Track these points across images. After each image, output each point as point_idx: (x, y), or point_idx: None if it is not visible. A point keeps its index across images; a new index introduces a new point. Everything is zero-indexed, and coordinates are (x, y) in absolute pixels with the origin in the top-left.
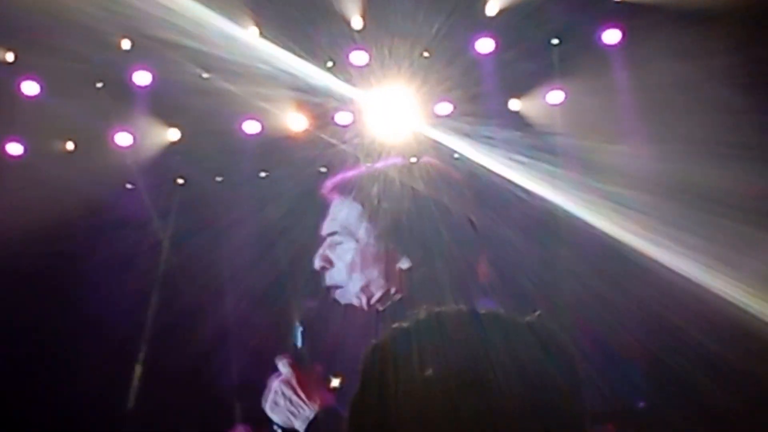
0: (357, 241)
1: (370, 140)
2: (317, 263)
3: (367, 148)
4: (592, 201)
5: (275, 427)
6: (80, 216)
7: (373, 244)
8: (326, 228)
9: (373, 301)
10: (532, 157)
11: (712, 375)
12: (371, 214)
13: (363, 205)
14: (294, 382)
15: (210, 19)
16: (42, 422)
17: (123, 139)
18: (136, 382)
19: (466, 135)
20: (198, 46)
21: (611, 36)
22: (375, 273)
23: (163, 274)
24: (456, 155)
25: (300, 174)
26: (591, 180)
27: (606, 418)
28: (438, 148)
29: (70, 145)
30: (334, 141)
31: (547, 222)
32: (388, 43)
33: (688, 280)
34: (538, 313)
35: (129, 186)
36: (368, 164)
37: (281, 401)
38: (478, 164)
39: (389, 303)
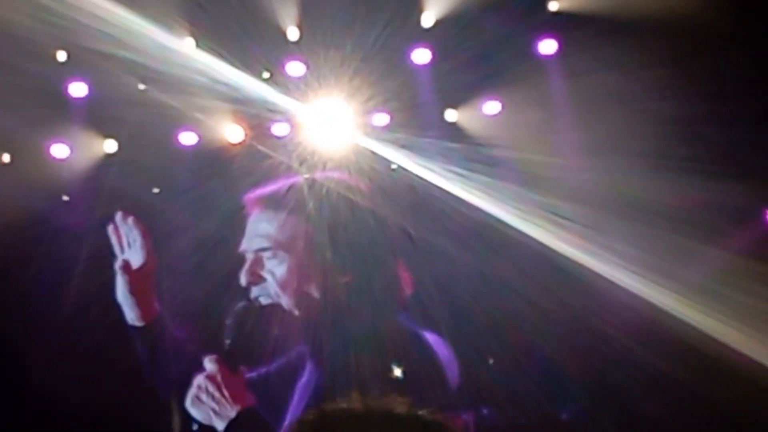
0: (290, 254)
1: (308, 151)
2: (243, 279)
3: (305, 158)
4: (529, 212)
5: (194, 425)
6: (17, 227)
7: (309, 257)
8: (251, 244)
9: (306, 313)
10: (469, 169)
11: (646, 384)
12: (306, 226)
13: (297, 217)
14: (219, 378)
15: (146, 30)
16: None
17: (59, 150)
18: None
19: (403, 146)
20: (134, 57)
21: (547, 46)
22: (312, 287)
23: (101, 285)
24: (393, 166)
25: (237, 185)
26: (528, 191)
27: (544, 428)
28: (375, 158)
29: (6, 157)
30: (271, 152)
31: (484, 233)
32: (325, 54)
33: (624, 290)
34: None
35: (65, 198)
36: (302, 174)
37: (204, 397)
38: (415, 175)
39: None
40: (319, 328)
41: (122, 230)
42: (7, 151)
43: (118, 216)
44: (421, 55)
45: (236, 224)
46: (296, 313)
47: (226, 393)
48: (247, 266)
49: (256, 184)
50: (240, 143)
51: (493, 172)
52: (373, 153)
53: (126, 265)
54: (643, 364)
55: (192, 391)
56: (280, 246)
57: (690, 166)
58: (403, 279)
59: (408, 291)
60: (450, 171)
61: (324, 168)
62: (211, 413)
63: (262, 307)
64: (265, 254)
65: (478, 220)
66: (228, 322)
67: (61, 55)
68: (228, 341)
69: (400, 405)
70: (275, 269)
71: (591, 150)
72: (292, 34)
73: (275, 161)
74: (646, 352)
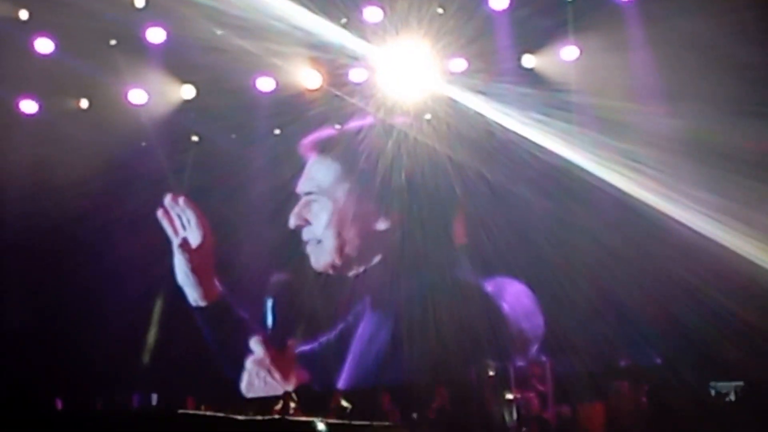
0: (333, 201)
1: (385, 97)
2: (292, 222)
3: (382, 104)
4: (607, 158)
5: None
6: (95, 173)
7: (351, 204)
8: (302, 186)
9: (348, 261)
10: (546, 114)
11: (724, 329)
12: (351, 173)
13: (342, 165)
14: (268, 361)
15: None
16: (61, 376)
17: (137, 96)
18: (151, 338)
19: (481, 92)
20: (212, 3)
21: None
22: (351, 233)
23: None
24: (470, 112)
25: (314, 131)
26: (606, 137)
27: (621, 375)
28: (452, 104)
29: (84, 103)
30: (348, 97)
31: (562, 179)
32: (402, 0)
33: (702, 236)
34: None
35: (143, 143)
36: (376, 117)
37: (256, 382)
38: (492, 121)
39: (363, 267)
40: (378, 278)
41: (173, 212)
42: (85, 96)
43: (168, 199)
44: (499, 1)
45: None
46: (338, 261)
47: (276, 376)
48: (296, 209)
49: (334, 129)
50: (317, 89)
51: (571, 118)
52: (451, 98)
53: (185, 243)
54: (720, 310)
55: (245, 378)
56: (324, 192)
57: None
58: (456, 230)
59: (461, 240)
60: (527, 116)
61: (399, 113)
62: (270, 391)
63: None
64: (311, 197)
65: (556, 165)
66: (266, 298)
67: (139, 1)
68: (270, 319)
69: None
70: (320, 214)
71: (669, 95)
72: None
73: (353, 106)
74: (723, 298)
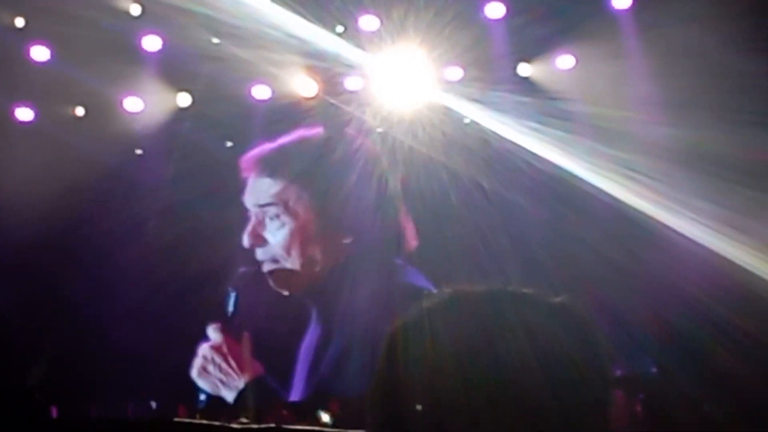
0: (292, 216)
1: (380, 105)
2: (246, 241)
3: (377, 113)
4: (604, 167)
5: (201, 395)
6: (91, 181)
7: (313, 219)
8: (256, 198)
9: (313, 272)
10: (542, 123)
11: (723, 341)
12: (309, 189)
13: (299, 180)
14: (225, 349)
15: None
16: (58, 385)
17: (133, 104)
18: (149, 347)
19: (477, 100)
20: (208, 12)
21: (622, 1)
22: (316, 250)
23: (175, 239)
24: (466, 120)
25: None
26: (602, 146)
27: (617, 383)
28: (448, 113)
29: (80, 111)
30: (344, 106)
31: (557, 188)
32: (398, 8)
33: (698, 245)
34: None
35: (138, 151)
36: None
37: (211, 368)
38: (488, 129)
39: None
40: (325, 289)
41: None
42: (81, 104)
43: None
44: (495, 9)
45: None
46: (301, 273)
47: (233, 363)
48: (249, 228)
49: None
50: (313, 97)
51: (567, 127)
52: (447, 107)
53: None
54: (716, 319)
55: (197, 362)
56: (284, 206)
57: (764, 120)
58: (407, 232)
59: (412, 244)
60: (523, 125)
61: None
62: (219, 384)
63: (265, 273)
64: (268, 213)
65: (551, 174)
66: (230, 289)
67: (135, 9)
68: (231, 309)
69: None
70: (278, 232)
71: (665, 104)
72: None
73: (348, 115)
74: (719, 307)
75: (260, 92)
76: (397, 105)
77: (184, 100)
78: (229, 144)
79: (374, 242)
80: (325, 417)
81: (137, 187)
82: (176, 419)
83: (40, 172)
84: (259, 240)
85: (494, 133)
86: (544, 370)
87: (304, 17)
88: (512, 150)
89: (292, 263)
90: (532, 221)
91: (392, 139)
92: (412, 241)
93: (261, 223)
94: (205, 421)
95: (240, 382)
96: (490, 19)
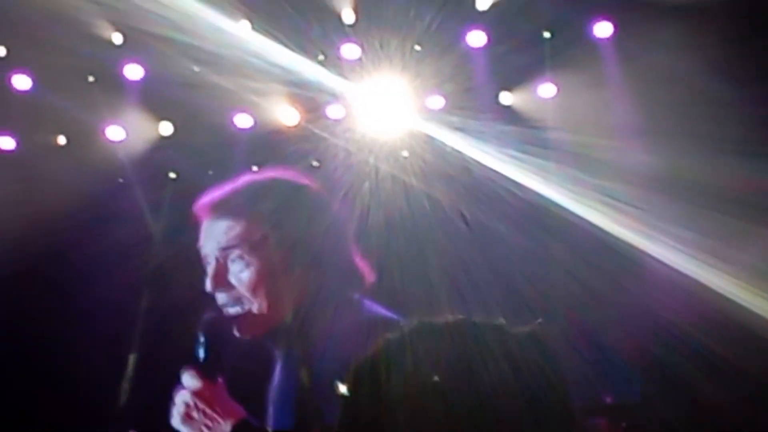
0: (258, 257)
1: (362, 134)
2: (209, 286)
3: (359, 141)
4: (585, 195)
5: None
6: (72, 210)
7: (279, 258)
8: (214, 243)
9: (276, 314)
10: (524, 151)
11: (705, 369)
12: (267, 228)
13: (256, 220)
14: (207, 394)
15: (201, 12)
16: (36, 416)
17: (115, 133)
18: (128, 377)
19: (458, 129)
20: (189, 40)
21: (603, 29)
22: (283, 290)
23: (155, 268)
24: (448, 149)
25: (293, 168)
26: (583, 174)
27: (599, 412)
28: (429, 141)
29: (62, 139)
30: (326, 135)
31: (540, 216)
32: (380, 37)
33: (681, 274)
34: (539, 321)
35: (120, 180)
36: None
37: (195, 414)
38: (469, 158)
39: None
40: (288, 330)
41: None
42: (63, 133)
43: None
44: (477, 38)
45: (293, 207)
46: (266, 315)
47: (217, 408)
48: (211, 272)
49: (312, 167)
50: (295, 126)
51: (548, 155)
52: (428, 135)
53: None
54: (698, 348)
55: (179, 410)
56: (248, 246)
57: (746, 149)
58: (361, 267)
59: (370, 279)
60: (505, 154)
61: (374, 151)
62: (205, 430)
63: (227, 318)
64: (230, 255)
65: (533, 202)
66: (199, 333)
67: (117, 38)
68: (202, 353)
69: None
70: (241, 274)
71: (646, 132)
72: (348, 16)
73: (330, 144)
74: (701, 336)
75: (242, 121)
76: (379, 133)
77: (166, 128)
78: (210, 172)
79: (334, 278)
80: None
81: (119, 216)
82: None
83: (21, 201)
84: (223, 283)
85: (476, 161)
86: (516, 397)
87: (286, 45)
88: (494, 178)
89: (258, 306)
90: (513, 249)
91: (374, 167)
92: (369, 276)
93: (223, 267)
94: None
95: (227, 426)
96: (471, 48)
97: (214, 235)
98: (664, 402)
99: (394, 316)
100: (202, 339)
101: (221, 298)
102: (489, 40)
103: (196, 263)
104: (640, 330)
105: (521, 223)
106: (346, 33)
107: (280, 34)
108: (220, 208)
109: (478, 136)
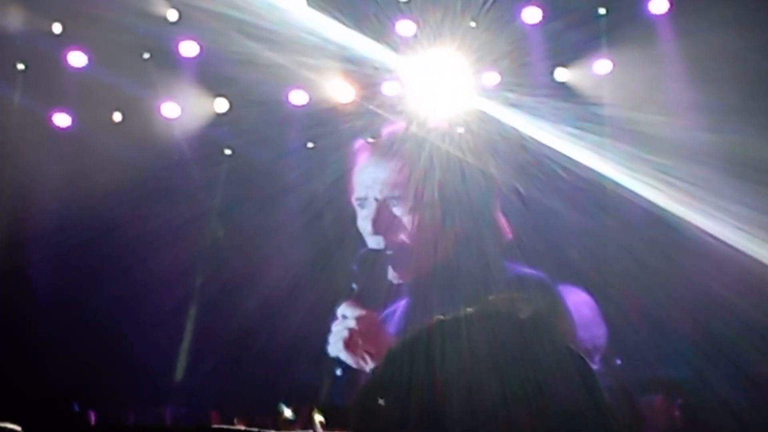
0: (411, 206)
1: (418, 110)
2: (370, 227)
3: (415, 118)
4: (640, 172)
5: (337, 371)
6: (128, 187)
7: (424, 210)
8: (373, 191)
9: (427, 262)
10: (579, 128)
11: (760, 346)
12: (420, 179)
13: (411, 165)
14: (368, 322)
15: None
16: (94, 388)
17: (170, 110)
18: (184, 352)
19: (513, 105)
20: (244, 17)
21: (659, 5)
22: (437, 241)
23: (211, 244)
24: (503, 126)
25: (347, 144)
26: (638, 151)
27: (655, 388)
28: (485, 118)
29: (117, 116)
30: (381, 111)
31: (595, 193)
32: (435, 13)
33: (736, 250)
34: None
35: (176, 157)
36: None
37: (360, 340)
38: (525, 135)
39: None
40: (429, 275)
41: None
42: (118, 110)
43: None
44: (532, 14)
45: (346, 183)
46: (420, 259)
47: (379, 337)
48: (373, 214)
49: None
50: (350, 102)
51: (603, 132)
52: (483, 112)
53: None
54: (753, 324)
55: (341, 335)
56: (408, 194)
57: None
58: (503, 226)
59: (509, 236)
60: (560, 130)
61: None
62: (367, 357)
63: (385, 252)
64: (392, 201)
65: (589, 179)
66: (354, 267)
67: (172, 14)
68: (355, 285)
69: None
70: (404, 218)
71: (702, 109)
72: None
73: (386, 120)
74: (756, 312)
75: (297, 97)
76: (434, 110)
77: (221, 105)
78: (265, 149)
79: (476, 237)
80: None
81: (174, 193)
82: (215, 426)
83: (78, 177)
84: (383, 228)
85: (531, 138)
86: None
87: (341, 22)
88: (549, 155)
89: (414, 252)
90: (568, 225)
91: (429, 144)
92: (508, 234)
93: (386, 209)
94: (243, 428)
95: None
96: (526, 24)
97: (370, 178)
98: (720, 378)
99: (575, 292)
100: (357, 271)
101: (377, 241)
102: (544, 16)
103: (252, 238)
104: (695, 306)
105: (576, 199)
106: (401, 9)
107: (336, 10)
108: (375, 151)
109: (534, 112)
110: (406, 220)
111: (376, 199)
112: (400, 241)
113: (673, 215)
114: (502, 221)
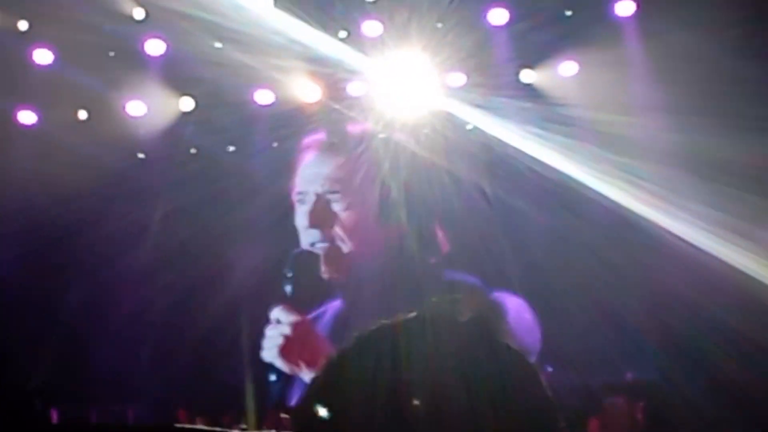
0: (351, 202)
1: (383, 111)
2: (306, 221)
3: (380, 118)
4: (605, 172)
5: (272, 376)
6: (93, 185)
7: (363, 208)
8: (314, 185)
9: (359, 258)
10: (544, 129)
11: (724, 346)
12: (370, 177)
13: (357, 162)
14: (302, 328)
15: None
16: (57, 386)
17: (136, 108)
18: (147, 352)
19: (479, 106)
20: (211, 17)
21: (624, 8)
22: (374, 239)
23: (176, 243)
24: (469, 126)
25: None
26: (604, 151)
27: (618, 390)
28: (450, 118)
29: (82, 114)
30: (347, 111)
31: (560, 193)
32: (402, 14)
33: (701, 250)
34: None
35: (141, 156)
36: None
37: (294, 347)
38: (490, 135)
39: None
40: (358, 276)
41: None
42: (84, 108)
43: None
44: (498, 15)
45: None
46: (354, 257)
47: (313, 343)
48: (309, 208)
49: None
50: (316, 102)
51: (569, 132)
52: (449, 112)
53: None
54: (718, 324)
55: (276, 342)
56: (349, 190)
57: (766, 126)
58: (440, 237)
59: (446, 248)
60: (525, 131)
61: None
62: (302, 364)
63: (316, 254)
64: (332, 196)
65: (554, 179)
66: (286, 269)
67: (139, 13)
68: (289, 288)
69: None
70: (342, 213)
71: (667, 110)
72: None
73: (351, 120)
74: (720, 313)
75: (263, 97)
76: (400, 110)
77: (187, 104)
78: (231, 148)
79: (416, 239)
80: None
81: (139, 192)
82: (177, 425)
83: (42, 175)
84: (320, 221)
85: (497, 138)
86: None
87: (307, 23)
88: (515, 155)
89: (349, 247)
90: (533, 226)
91: (394, 144)
92: (445, 246)
93: (324, 204)
94: (205, 427)
95: (323, 362)
96: (492, 26)
97: (313, 173)
98: (684, 379)
99: (509, 298)
100: (289, 275)
101: (312, 235)
102: (511, 17)
103: (217, 238)
104: (661, 307)
105: (542, 199)
106: (367, 10)
107: (302, 11)
108: (321, 147)
109: (499, 113)
110: (344, 216)
111: (316, 194)
112: (335, 235)
113: (638, 215)
114: (440, 234)
